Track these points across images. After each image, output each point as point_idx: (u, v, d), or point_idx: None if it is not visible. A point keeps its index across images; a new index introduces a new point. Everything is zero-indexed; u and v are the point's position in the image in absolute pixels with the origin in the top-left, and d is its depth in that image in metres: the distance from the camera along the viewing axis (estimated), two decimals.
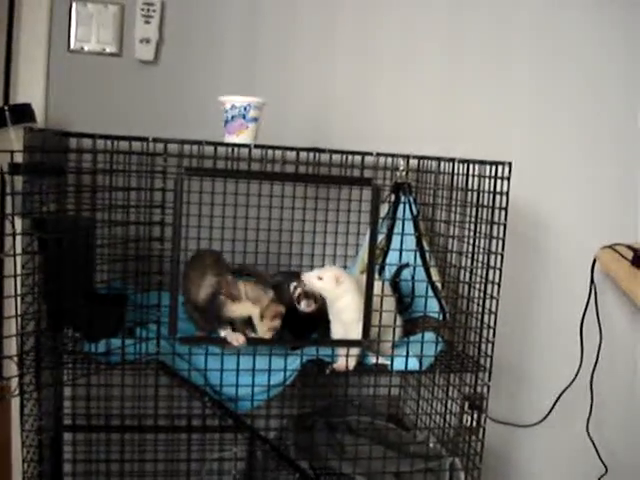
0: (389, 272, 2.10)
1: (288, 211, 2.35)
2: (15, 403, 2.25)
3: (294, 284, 1.93)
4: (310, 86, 2.42)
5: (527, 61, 2.57)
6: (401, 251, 1.94)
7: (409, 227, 2.09)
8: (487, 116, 2.55)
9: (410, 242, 2.07)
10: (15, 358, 1.69)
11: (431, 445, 2.20)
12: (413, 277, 1.96)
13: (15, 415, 2.26)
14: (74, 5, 2.27)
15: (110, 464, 2.32)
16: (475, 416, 2.09)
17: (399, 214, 2.14)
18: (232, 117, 1.87)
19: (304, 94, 2.41)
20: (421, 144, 2.32)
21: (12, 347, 1.77)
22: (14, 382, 1.72)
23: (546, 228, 2.64)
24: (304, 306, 1.91)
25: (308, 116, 2.40)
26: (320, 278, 1.86)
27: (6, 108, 2.08)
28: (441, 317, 2.12)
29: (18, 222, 1.82)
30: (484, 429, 2.06)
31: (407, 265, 2.08)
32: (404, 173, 2.17)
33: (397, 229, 2.11)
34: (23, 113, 2.10)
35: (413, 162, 2.19)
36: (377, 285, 1.85)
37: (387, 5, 2.45)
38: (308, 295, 1.91)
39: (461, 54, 2.52)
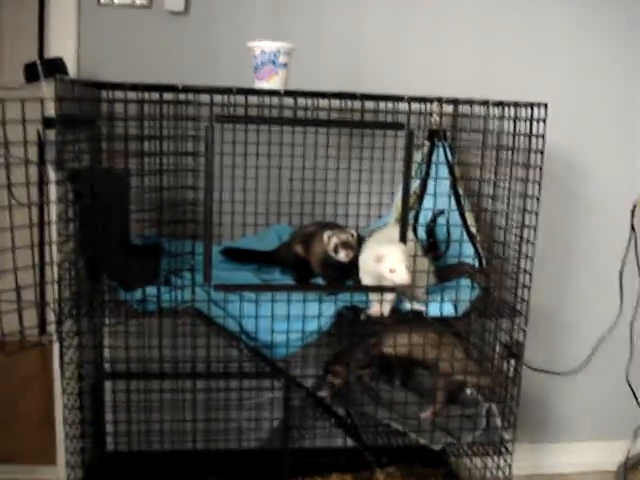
0: (424, 218, 2.09)
1: (322, 160, 2.33)
2: (57, 354, 2.31)
3: (328, 233, 1.93)
4: (341, 31, 2.38)
5: (564, 3, 2.48)
6: (436, 196, 1.92)
7: (444, 172, 2.07)
8: (522, 58, 2.48)
9: (445, 187, 2.05)
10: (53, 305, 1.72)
11: (467, 391, 2.20)
12: (448, 222, 1.93)
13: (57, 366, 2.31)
14: None
15: (151, 412, 2.36)
16: (512, 362, 2.07)
17: (434, 160, 2.11)
18: (262, 63, 1.85)
19: (335, 40, 2.37)
20: (456, 89, 2.28)
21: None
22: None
23: (584, 173, 2.59)
24: (343, 256, 1.90)
25: (340, 62, 2.36)
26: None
27: (38, 62, 2.10)
28: (477, 263, 2.10)
29: (54, 176, 1.85)
30: (520, 375, 2.05)
31: (442, 212, 2.06)
32: (438, 118, 2.13)
33: (432, 175, 2.09)
34: (55, 67, 2.11)
35: (447, 107, 2.15)
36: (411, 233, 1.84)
37: None
38: (346, 245, 1.90)
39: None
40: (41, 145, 1.91)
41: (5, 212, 1.55)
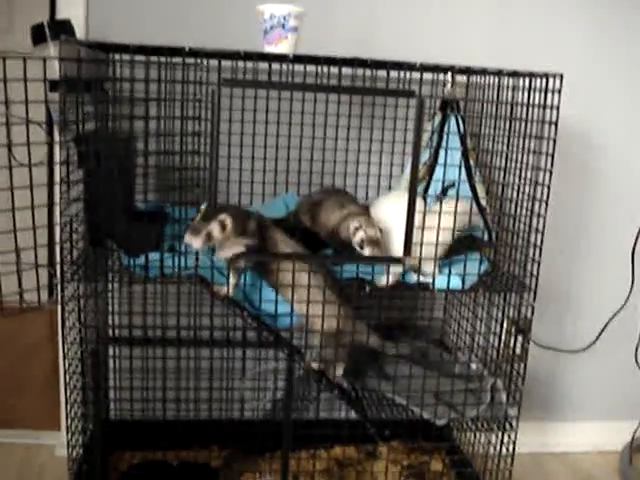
0: (435, 189, 2.05)
1: (331, 129, 2.30)
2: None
3: (355, 224, 1.85)
4: None
5: None
6: (445, 167, 1.88)
7: (456, 143, 2.03)
8: (538, 27, 2.43)
9: (457, 158, 2.01)
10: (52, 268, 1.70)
11: (473, 366, 2.18)
12: (457, 194, 1.89)
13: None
14: None
15: (154, 379, 2.36)
16: (519, 338, 2.04)
17: (446, 130, 2.07)
18: (271, 27, 1.81)
19: (346, 4, 2.32)
20: (469, 58, 2.23)
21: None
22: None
23: (598, 148, 2.54)
24: (368, 253, 1.83)
25: (350, 28, 2.32)
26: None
27: (45, 24, 2.07)
28: (486, 236, 2.07)
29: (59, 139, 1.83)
30: (527, 350, 2.02)
31: (453, 184, 2.02)
32: (451, 88, 2.09)
33: (444, 145, 2.05)
34: (62, 29, 2.08)
35: (460, 77, 2.11)
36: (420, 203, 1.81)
37: None
38: (373, 242, 1.83)
39: None
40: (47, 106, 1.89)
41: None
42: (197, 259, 1.79)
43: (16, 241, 1.54)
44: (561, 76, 1.81)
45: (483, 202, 2.06)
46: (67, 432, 1.95)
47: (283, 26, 1.80)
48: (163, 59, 1.85)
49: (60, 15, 2.27)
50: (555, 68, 1.89)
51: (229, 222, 1.73)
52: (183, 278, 1.81)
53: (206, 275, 1.82)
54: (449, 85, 2.11)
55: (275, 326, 1.90)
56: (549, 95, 1.83)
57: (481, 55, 2.31)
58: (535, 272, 1.93)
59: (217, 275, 1.83)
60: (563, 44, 2.45)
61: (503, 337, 2.09)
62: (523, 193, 1.94)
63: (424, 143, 2.08)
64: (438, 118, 2.15)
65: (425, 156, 2.11)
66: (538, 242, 1.91)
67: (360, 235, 1.85)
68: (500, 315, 2.08)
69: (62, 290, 1.76)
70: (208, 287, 1.83)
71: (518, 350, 2.06)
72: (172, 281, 1.80)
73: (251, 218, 1.81)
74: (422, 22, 2.37)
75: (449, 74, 2.07)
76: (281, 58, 1.88)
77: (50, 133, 1.76)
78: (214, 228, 1.71)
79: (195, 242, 1.69)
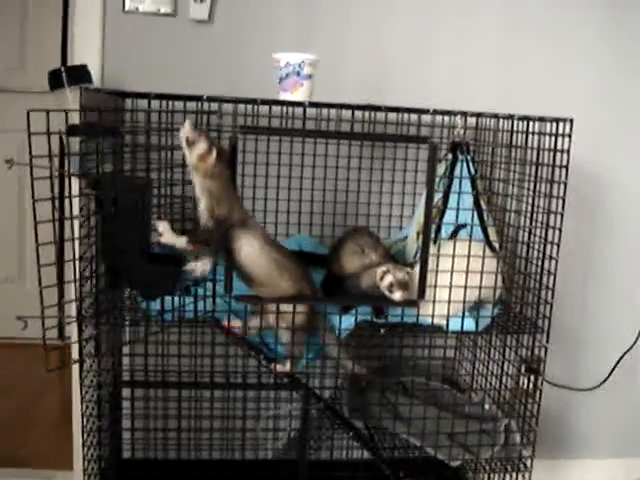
0: (446, 232, 2.07)
1: (343, 171, 2.33)
2: (76, 367, 2.31)
3: (383, 269, 1.86)
4: (365, 43, 2.37)
5: (588, 12, 2.46)
6: (458, 210, 1.90)
7: (467, 186, 2.05)
8: (547, 71, 2.46)
9: (468, 201, 2.03)
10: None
11: (486, 407, 2.18)
12: (470, 237, 1.91)
13: (76, 379, 2.32)
14: None
15: (167, 420, 2.36)
16: (532, 378, 2.06)
17: (457, 173, 2.09)
18: (286, 74, 1.85)
19: (359, 51, 2.37)
20: (479, 102, 2.27)
21: (72, 306, 1.79)
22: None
23: (605, 187, 2.56)
24: (398, 297, 1.82)
25: (363, 74, 2.36)
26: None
27: (62, 69, 2.11)
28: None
29: (75, 183, 1.85)
30: (541, 391, 2.03)
31: (464, 225, 2.04)
32: (462, 131, 2.12)
33: (454, 188, 2.07)
34: (79, 74, 2.13)
35: (471, 120, 2.14)
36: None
37: None
38: (402, 285, 1.83)
39: (519, 8, 2.43)
40: (64, 154, 1.91)
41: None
42: (214, 303, 1.81)
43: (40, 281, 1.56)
44: (571, 121, 1.84)
45: (495, 245, 2.07)
46: (84, 474, 1.96)
47: (298, 74, 1.84)
48: (181, 106, 1.89)
49: (74, 59, 2.32)
50: (563, 110, 1.93)
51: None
52: (200, 322, 1.82)
53: (223, 319, 1.84)
54: (459, 127, 2.14)
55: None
56: (559, 139, 1.86)
57: (490, 98, 2.36)
58: (548, 314, 1.95)
59: (234, 318, 1.85)
60: (570, 86, 2.49)
61: (516, 377, 2.10)
62: (535, 235, 1.96)
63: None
64: (448, 160, 2.17)
65: (435, 198, 2.12)
66: (550, 284, 1.93)
67: (389, 279, 1.84)
68: (513, 356, 2.09)
69: (80, 334, 1.77)
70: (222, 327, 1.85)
71: (531, 390, 2.07)
72: (190, 325, 1.82)
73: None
74: (432, 67, 2.41)
75: (459, 117, 2.10)
76: (297, 104, 1.91)
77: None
78: None
79: None
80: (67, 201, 1.69)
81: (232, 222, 1.75)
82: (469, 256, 1.85)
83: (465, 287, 1.87)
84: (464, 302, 1.88)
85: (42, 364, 1.61)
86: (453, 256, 1.84)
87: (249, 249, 1.76)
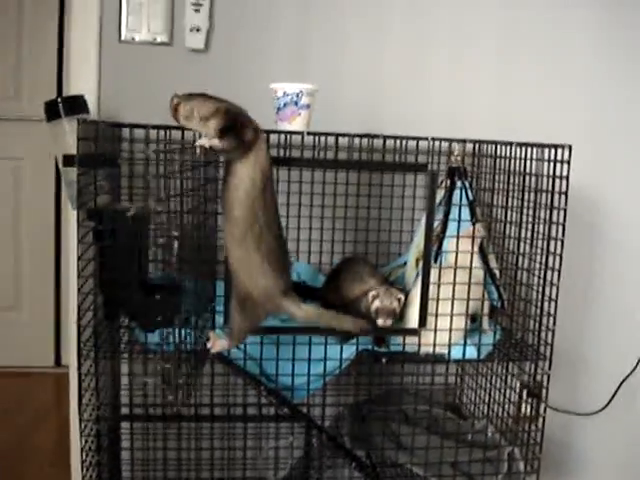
0: (445, 259, 2.06)
1: (341, 198, 2.32)
2: (74, 393, 2.29)
3: (373, 294, 1.88)
4: (361, 71, 2.38)
5: (586, 38, 2.47)
6: (458, 238, 1.90)
7: (465, 213, 2.05)
8: (544, 98, 2.47)
9: (466, 228, 2.02)
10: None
11: (489, 434, 2.17)
12: (471, 264, 1.91)
13: (74, 405, 2.30)
14: None
15: (167, 452, 2.34)
16: (534, 405, 2.04)
17: (455, 200, 2.08)
18: (284, 104, 1.85)
19: (355, 80, 2.38)
20: (476, 128, 2.28)
21: (71, 337, 1.78)
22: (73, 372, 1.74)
23: (607, 214, 2.56)
24: (381, 322, 1.85)
25: (359, 102, 2.37)
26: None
27: (59, 100, 2.11)
28: (499, 305, 2.07)
29: (73, 213, 1.85)
30: (544, 419, 2.01)
31: None
32: (459, 157, 2.12)
33: (453, 215, 2.06)
34: (76, 105, 2.12)
35: (468, 146, 2.14)
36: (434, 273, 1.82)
37: None
38: (388, 313, 1.86)
39: (515, 35, 2.44)
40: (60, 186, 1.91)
41: None
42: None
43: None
44: (570, 147, 1.84)
45: (496, 272, 2.07)
46: None
47: (296, 103, 1.84)
48: (179, 136, 1.88)
49: (70, 88, 2.31)
50: (560, 136, 1.93)
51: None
52: (199, 353, 1.81)
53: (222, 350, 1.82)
54: (456, 154, 2.14)
55: (292, 399, 1.90)
56: (558, 165, 1.85)
57: (488, 124, 2.37)
58: (550, 340, 1.94)
59: (233, 349, 1.83)
60: (568, 113, 2.49)
61: (518, 404, 2.08)
62: (535, 261, 1.96)
63: None
64: (446, 187, 2.16)
65: (435, 224, 2.12)
66: (552, 311, 1.92)
67: (375, 304, 1.87)
68: (514, 382, 2.08)
69: (79, 367, 1.76)
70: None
71: (532, 415, 2.05)
72: (188, 357, 1.80)
73: None
74: (428, 94, 2.42)
75: (456, 144, 2.09)
76: (296, 134, 1.91)
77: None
78: None
79: None
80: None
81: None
82: (469, 284, 1.84)
83: (466, 315, 1.86)
84: (465, 330, 1.88)
85: (38, 393, 1.59)
86: (454, 285, 1.84)
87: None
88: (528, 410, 2.28)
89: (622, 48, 2.50)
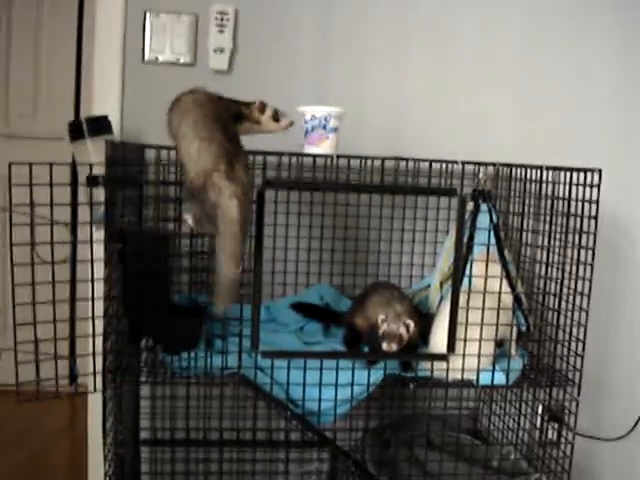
0: (470, 283, 2.04)
1: (364, 220, 2.31)
2: (91, 418, 2.27)
3: (382, 317, 1.87)
4: (385, 94, 2.38)
5: (610, 61, 2.47)
6: (487, 261, 1.88)
7: (490, 236, 2.02)
8: (571, 121, 2.47)
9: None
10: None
11: (516, 461, 2.13)
12: (500, 288, 1.88)
13: (91, 430, 2.28)
14: (147, 16, 2.27)
15: (189, 477, 2.30)
16: (563, 432, 2.01)
17: (479, 224, 2.06)
18: (312, 128, 1.83)
19: (377, 102, 2.37)
20: (498, 150, 2.27)
21: (88, 358, 1.75)
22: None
23: (631, 235, 2.55)
24: (385, 346, 1.84)
25: (382, 124, 2.36)
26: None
27: (83, 120, 2.11)
28: (525, 329, 2.05)
29: (98, 233, 1.83)
30: (572, 445, 1.98)
31: None
32: (484, 180, 2.10)
33: (477, 239, 2.04)
34: (100, 125, 2.12)
35: (490, 168, 2.13)
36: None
37: (461, 11, 2.39)
38: (392, 337, 1.84)
39: (540, 57, 2.44)
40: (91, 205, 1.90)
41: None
42: (240, 358, 1.77)
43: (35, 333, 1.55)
44: (600, 171, 1.82)
45: (522, 297, 2.04)
46: None
47: (324, 127, 1.83)
48: None
49: (93, 109, 2.31)
50: (588, 160, 1.91)
51: None
52: (226, 379, 1.78)
53: (249, 375, 1.80)
54: (481, 175, 2.12)
55: (319, 424, 1.87)
56: (587, 189, 1.83)
57: (513, 147, 2.36)
58: (579, 366, 1.91)
59: (260, 374, 1.81)
60: (594, 135, 2.48)
61: (545, 430, 2.05)
62: (563, 286, 1.93)
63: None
64: (469, 209, 2.14)
65: None
66: (581, 336, 1.90)
67: (383, 328, 1.86)
68: (540, 408, 2.05)
69: (104, 392, 1.74)
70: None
71: (555, 439, 2.02)
72: (214, 382, 1.78)
73: None
74: (451, 116, 2.41)
75: (481, 167, 2.08)
76: (325, 157, 1.90)
77: (74, 232, 1.77)
78: None
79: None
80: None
81: None
82: (498, 309, 1.82)
83: (495, 340, 1.84)
84: (494, 355, 1.85)
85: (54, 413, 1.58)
86: (483, 309, 1.81)
87: None
88: (553, 435, 2.25)
89: None
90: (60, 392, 1.59)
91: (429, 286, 2.24)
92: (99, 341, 1.71)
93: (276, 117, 1.78)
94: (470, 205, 2.13)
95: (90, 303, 1.64)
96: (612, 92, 2.48)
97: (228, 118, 1.70)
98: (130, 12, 2.28)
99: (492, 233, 2.04)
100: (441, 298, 2.09)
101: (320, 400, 1.80)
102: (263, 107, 1.78)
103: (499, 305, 1.83)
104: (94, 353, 1.70)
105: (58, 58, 3.62)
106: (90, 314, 1.64)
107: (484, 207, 2.07)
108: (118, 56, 2.29)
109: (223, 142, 1.58)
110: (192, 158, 1.58)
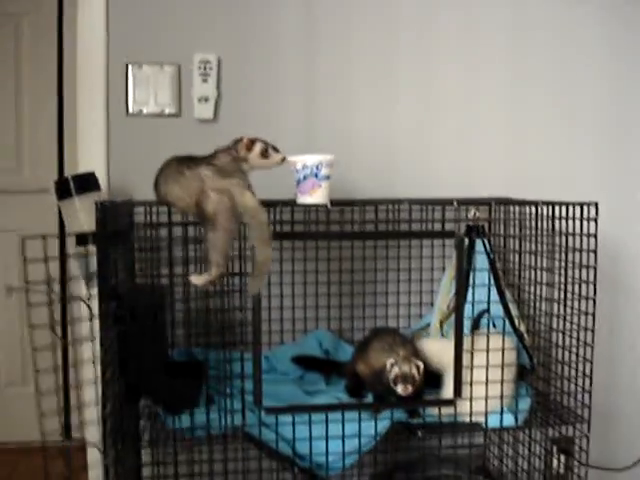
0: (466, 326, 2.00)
1: (359, 262, 2.28)
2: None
3: (391, 361, 1.83)
4: (373, 134, 2.37)
5: (595, 95, 2.48)
6: (489, 303, 1.85)
7: (485, 277, 1.98)
8: (557, 154, 2.47)
9: (491, 292, 1.97)
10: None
11: None
12: (504, 330, 1.87)
13: None
14: (130, 68, 2.25)
15: None
16: (574, 465, 1.98)
17: (477, 264, 2.01)
18: (304, 177, 1.80)
19: (367, 144, 2.36)
20: (490, 187, 2.27)
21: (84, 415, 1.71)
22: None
23: (629, 265, 2.54)
24: (401, 390, 1.80)
25: (373, 165, 2.35)
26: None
27: (70, 178, 2.08)
28: (530, 367, 2.02)
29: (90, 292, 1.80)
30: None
31: (487, 311, 1.98)
32: (477, 215, 2.08)
33: (477, 280, 1.98)
34: (87, 182, 2.10)
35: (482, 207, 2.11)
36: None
37: (446, 52, 2.40)
38: (406, 379, 1.81)
39: (525, 93, 2.44)
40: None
41: None
42: (244, 416, 1.73)
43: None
44: (596, 204, 1.81)
45: (525, 335, 2.01)
46: None
47: (316, 175, 1.80)
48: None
49: (79, 164, 2.29)
50: (578, 193, 1.90)
51: None
52: (229, 437, 1.74)
53: (253, 432, 1.76)
54: (472, 212, 2.10)
55: (327, 475, 1.82)
56: (585, 223, 1.81)
57: (504, 182, 2.35)
58: (587, 402, 1.88)
59: (265, 431, 1.77)
60: (585, 168, 2.49)
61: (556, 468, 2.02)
62: (566, 321, 1.91)
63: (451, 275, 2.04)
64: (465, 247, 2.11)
65: (452, 290, 2.04)
66: (587, 371, 1.87)
67: (394, 372, 1.82)
68: (549, 443, 2.02)
69: (105, 458, 1.69)
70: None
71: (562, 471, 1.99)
72: (219, 441, 1.73)
73: None
74: (439, 154, 2.41)
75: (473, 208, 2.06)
76: (319, 207, 1.87)
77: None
78: None
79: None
80: None
81: None
82: (503, 350, 1.80)
83: (502, 382, 1.81)
84: (502, 397, 1.82)
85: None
86: (487, 351, 1.79)
87: None
88: (561, 468, 2.22)
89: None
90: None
91: (429, 325, 2.21)
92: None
93: (265, 154, 1.74)
94: (465, 241, 2.11)
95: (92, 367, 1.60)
96: (601, 123, 2.49)
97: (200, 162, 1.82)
98: (111, 65, 2.26)
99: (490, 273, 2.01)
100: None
101: (327, 454, 1.76)
102: (251, 144, 1.75)
103: (503, 346, 1.81)
104: (105, 422, 1.66)
105: (41, 111, 3.59)
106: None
107: (480, 246, 2.04)
108: (102, 110, 2.27)
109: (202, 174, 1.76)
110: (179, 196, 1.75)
